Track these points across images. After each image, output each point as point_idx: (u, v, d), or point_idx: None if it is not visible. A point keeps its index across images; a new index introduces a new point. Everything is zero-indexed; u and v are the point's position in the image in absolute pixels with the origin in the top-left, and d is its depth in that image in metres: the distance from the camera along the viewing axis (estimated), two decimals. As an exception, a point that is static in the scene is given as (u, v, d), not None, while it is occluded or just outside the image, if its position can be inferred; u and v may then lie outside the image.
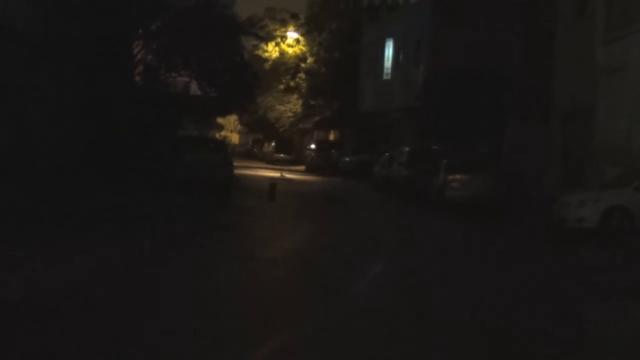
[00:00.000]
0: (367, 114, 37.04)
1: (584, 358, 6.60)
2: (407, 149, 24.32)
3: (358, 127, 38.33)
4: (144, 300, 7.61)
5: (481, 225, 16.98)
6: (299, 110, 46.91)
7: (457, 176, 19.53)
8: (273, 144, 47.91)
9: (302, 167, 40.21)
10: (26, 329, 6.21)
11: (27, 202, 13.26)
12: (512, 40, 25.31)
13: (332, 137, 45.00)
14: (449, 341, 6.69)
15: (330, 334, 6.69)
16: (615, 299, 9.16)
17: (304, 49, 44.56)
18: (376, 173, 26.60)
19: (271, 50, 45.38)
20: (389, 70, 34.49)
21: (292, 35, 45.10)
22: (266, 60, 45.37)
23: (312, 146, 41.09)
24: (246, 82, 24.08)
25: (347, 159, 34.96)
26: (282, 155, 45.19)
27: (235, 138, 74.76)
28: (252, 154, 54.45)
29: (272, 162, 44.00)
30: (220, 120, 49.23)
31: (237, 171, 22.91)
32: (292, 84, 45.11)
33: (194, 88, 24.13)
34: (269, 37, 42.79)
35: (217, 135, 54.17)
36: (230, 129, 72.48)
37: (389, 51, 34.51)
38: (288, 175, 31.59)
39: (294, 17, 45.39)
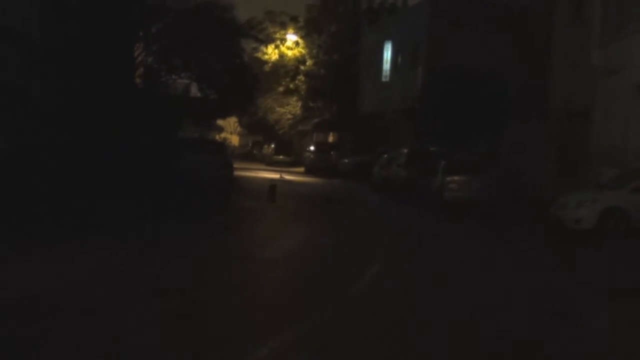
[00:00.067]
0: (366, 116, 37.19)
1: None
2: (405, 150, 24.45)
3: (357, 129, 38.47)
4: (144, 300, 7.65)
5: (479, 226, 17.04)
6: (299, 112, 47.06)
7: (455, 177, 19.64)
8: (273, 145, 48.04)
9: (302, 169, 40.32)
10: (22, 330, 6.22)
11: (27, 202, 13.29)
12: (510, 42, 25.47)
13: (331, 138, 45.13)
14: (447, 342, 6.77)
15: (330, 334, 6.78)
16: (613, 299, 9.22)
17: (303, 51, 44.72)
18: (375, 174, 26.72)
19: (271, 53, 45.54)
20: (388, 73, 34.64)
21: (291, 37, 45.26)
22: (266, 62, 45.52)
23: (312, 148, 41.21)
24: (246, 84, 24.22)
25: (346, 161, 35.09)
26: (281, 157, 45.33)
27: (235, 140, 74.91)
28: (251, 156, 54.57)
29: (271, 163, 44.14)
30: (220, 122, 49.33)
31: (237, 173, 22.96)
32: (291, 86, 45.27)
33: (194, 90, 24.28)
34: (268, 40, 43.04)
35: (217, 137, 54.30)
36: (230, 130, 72.66)
37: (387, 53, 34.67)
38: (287, 177, 31.69)
39: (294, 19, 45.58)
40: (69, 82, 17.98)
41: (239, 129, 71.23)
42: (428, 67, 28.47)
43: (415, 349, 6.48)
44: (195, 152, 20.30)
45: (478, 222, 17.50)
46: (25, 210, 12.68)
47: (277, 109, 48.22)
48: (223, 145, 27.77)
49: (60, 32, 17.91)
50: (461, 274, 10.60)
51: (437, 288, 9.37)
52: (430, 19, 29.56)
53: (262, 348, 6.08)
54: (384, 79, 34.93)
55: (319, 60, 43.18)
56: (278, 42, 45.38)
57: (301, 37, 44.84)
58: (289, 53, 45.37)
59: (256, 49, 43.50)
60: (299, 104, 46.45)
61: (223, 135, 64.53)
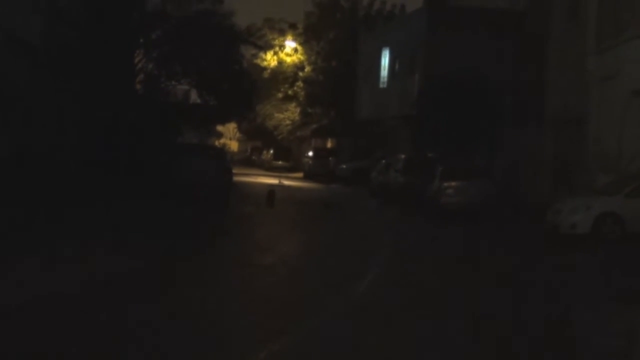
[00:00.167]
0: (363, 122, 37.37)
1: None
2: (403, 156, 24.63)
3: (355, 135, 38.66)
4: (144, 304, 7.73)
5: (475, 231, 17.15)
6: (297, 118, 47.26)
7: (452, 183, 19.80)
8: (271, 151, 48.19)
9: (300, 174, 40.47)
10: (21, 337, 6.24)
11: (27, 208, 13.27)
12: (506, 49, 25.66)
13: (329, 144, 45.31)
14: (446, 344, 6.89)
15: (329, 334, 6.91)
16: (607, 303, 9.31)
17: (302, 58, 44.95)
18: (373, 180, 26.89)
19: (270, 59, 45.78)
20: (385, 79, 34.82)
21: (290, 44, 45.50)
22: (265, 69, 45.73)
23: (310, 153, 41.38)
24: (245, 90, 24.43)
25: (344, 166, 35.25)
26: (280, 162, 45.48)
27: (234, 145, 75.02)
28: (250, 161, 54.70)
29: (270, 169, 44.29)
30: (219, 128, 49.49)
31: (236, 178, 23.07)
32: (290, 92, 45.49)
33: (194, 96, 24.46)
34: (267, 46, 43.32)
35: (217, 143, 54.44)
36: (230, 136, 72.81)
37: (385, 60, 34.85)
38: (286, 182, 31.82)
39: (292, 26, 45.84)
40: (69, 88, 18.11)
41: (238, 134, 71.38)
42: (425, 73, 28.64)
43: (412, 352, 6.60)
44: (195, 157, 20.40)
45: (474, 228, 17.60)
46: (24, 217, 12.60)
47: (276, 115, 48.42)
48: (222, 151, 27.91)
49: (61, 38, 18.04)
50: (459, 275, 10.76)
51: (434, 293, 9.49)
52: (428, 26, 29.75)
53: (263, 349, 6.18)
54: (381, 86, 35.11)
55: (318, 66, 43.41)
56: (277, 48, 45.62)
57: (300, 44, 45.08)
58: (288, 59, 45.60)
59: (255, 56, 43.75)
60: (298, 110, 46.65)
61: (222, 141, 64.67)
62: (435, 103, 24.78)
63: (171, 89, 23.19)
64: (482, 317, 8.11)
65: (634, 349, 7.20)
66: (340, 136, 42.18)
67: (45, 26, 17.56)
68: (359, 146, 37.15)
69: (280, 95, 46.22)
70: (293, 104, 46.72)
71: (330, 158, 39.03)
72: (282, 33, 46.00)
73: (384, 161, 26.36)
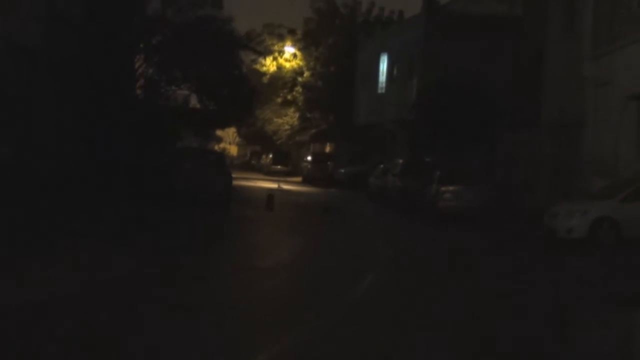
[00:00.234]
0: (362, 127, 37.55)
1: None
2: (401, 160, 24.78)
3: (353, 140, 38.83)
4: (144, 304, 7.81)
5: (472, 235, 17.24)
6: (296, 123, 47.44)
7: (450, 187, 19.94)
8: (270, 156, 48.35)
9: (299, 179, 40.61)
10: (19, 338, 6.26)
11: (26, 212, 13.31)
12: (503, 54, 25.87)
13: (328, 149, 45.49)
14: (446, 344, 7.02)
15: (328, 335, 7.03)
16: (604, 306, 9.39)
17: (300, 63, 45.15)
18: (371, 184, 27.04)
19: (269, 65, 45.99)
20: (384, 84, 35.03)
21: (289, 50, 45.72)
22: (264, 74, 45.94)
23: (309, 158, 41.55)
24: (244, 95, 24.57)
25: (343, 171, 35.41)
26: (279, 167, 45.63)
27: (233, 150, 75.22)
28: (250, 166, 54.85)
29: (269, 173, 44.44)
30: (219, 132, 49.69)
31: (235, 182, 23.08)
32: (289, 97, 45.69)
33: (194, 101, 24.57)
34: (267, 52, 43.55)
35: (216, 147, 54.57)
36: (229, 141, 73.02)
37: (383, 65, 35.06)
38: (285, 187, 31.94)
39: (291, 32, 46.08)
40: (70, 93, 18.22)
41: (237, 139, 71.58)
42: (423, 78, 28.85)
43: (415, 348, 6.74)
44: (195, 162, 20.49)
45: (471, 232, 17.71)
46: (22, 221, 12.62)
47: (275, 119, 48.61)
48: (222, 155, 28.01)
49: (62, 44, 18.14)
50: (457, 277, 10.88)
51: (431, 295, 9.60)
52: (425, 31, 29.98)
53: (263, 351, 6.28)
54: (380, 91, 35.31)
55: (316, 72, 43.63)
56: (276, 54, 45.84)
57: (299, 50, 45.30)
58: (287, 65, 45.81)
59: (255, 61, 43.94)
60: (297, 115, 46.84)
61: (222, 145, 64.82)
62: (433, 108, 24.95)
63: (171, 93, 23.31)
64: (480, 317, 8.21)
65: (632, 352, 7.29)
66: (338, 141, 42.37)
67: (45, 31, 17.66)
68: (357, 151, 37.32)
69: (279, 100, 46.42)
70: (292, 109, 46.92)
71: (328, 162, 39.19)
72: (282, 39, 46.23)
73: (382, 166, 26.51)
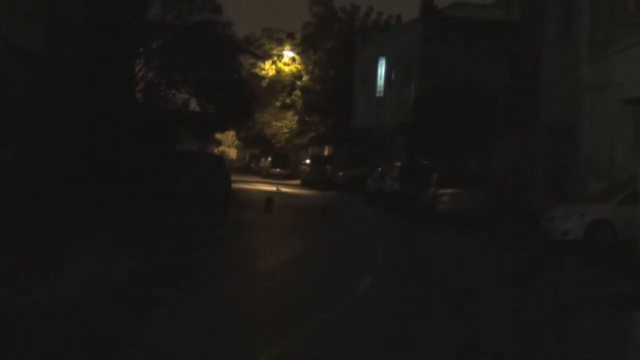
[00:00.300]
0: (360, 130, 37.68)
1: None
2: (399, 164, 24.89)
3: (352, 143, 38.96)
4: (144, 305, 7.85)
5: (470, 238, 17.33)
6: (295, 126, 47.59)
7: (447, 190, 20.04)
8: (269, 159, 48.47)
9: (298, 182, 40.71)
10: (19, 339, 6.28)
11: (27, 213, 13.35)
12: (500, 58, 26.02)
13: (326, 152, 45.60)
14: (445, 343, 7.12)
15: (327, 336, 7.12)
16: (600, 308, 9.47)
17: (299, 67, 45.32)
18: (369, 187, 27.14)
19: (268, 69, 46.14)
20: (382, 88, 35.17)
21: (288, 54, 45.88)
22: (263, 78, 46.08)
23: (307, 161, 41.65)
24: (244, 99, 24.73)
25: (341, 174, 35.51)
26: (278, 170, 45.74)
27: (232, 153, 75.31)
28: (249, 169, 54.93)
29: (268, 176, 44.56)
30: (218, 135, 49.78)
31: (234, 185, 23.17)
32: (288, 101, 45.84)
33: (193, 104, 24.73)
34: (266, 56, 43.75)
35: (215, 151, 54.69)
36: (228, 144, 73.11)
37: (381, 69, 35.21)
38: (284, 190, 32.04)
39: (290, 36, 46.25)
40: (70, 97, 18.32)
41: (236, 142, 71.65)
42: (421, 82, 28.99)
43: (415, 349, 6.85)
44: (194, 165, 20.60)
45: (469, 235, 17.79)
46: (24, 222, 12.66)
47: (274, 123, 48.75)
48: (221, 159, 28.15)
49: (62, 48, 18.24)
50: (454, 278, 10.98)
51: (429, 298, 9.72)
52: (423, 36, 30.12)
53: (264, 351, 6.35)
54: (378, 94, 35.46)
55: (315, 75, 43.79)
56: (275, 58, 46.00)
57: (298, 54, 45.46)
58: (286, 69, 45.97)
59: (254, 65, 44.12)
60: (295, 118, 46.98)
61: (221, 148, 64.92)
62: (431, 111, 25.08)
63: (171, 97, 23.47)
64: (478, 317, 8.31)
65: (627, 354, 7.37)
66: (337, 144, 42.49)
67: (45, 35, 17.76)
68: (355, 154, 37.45)
69: (278, 103, 46.58)
70: (291, 113, 47.07)
71: (327, 166, 39.29)
72: (280, 43, 46.39)
73: (380, 169, 26.62)
